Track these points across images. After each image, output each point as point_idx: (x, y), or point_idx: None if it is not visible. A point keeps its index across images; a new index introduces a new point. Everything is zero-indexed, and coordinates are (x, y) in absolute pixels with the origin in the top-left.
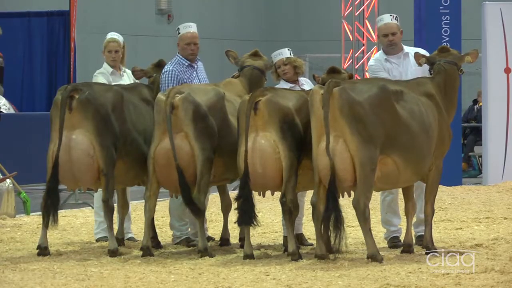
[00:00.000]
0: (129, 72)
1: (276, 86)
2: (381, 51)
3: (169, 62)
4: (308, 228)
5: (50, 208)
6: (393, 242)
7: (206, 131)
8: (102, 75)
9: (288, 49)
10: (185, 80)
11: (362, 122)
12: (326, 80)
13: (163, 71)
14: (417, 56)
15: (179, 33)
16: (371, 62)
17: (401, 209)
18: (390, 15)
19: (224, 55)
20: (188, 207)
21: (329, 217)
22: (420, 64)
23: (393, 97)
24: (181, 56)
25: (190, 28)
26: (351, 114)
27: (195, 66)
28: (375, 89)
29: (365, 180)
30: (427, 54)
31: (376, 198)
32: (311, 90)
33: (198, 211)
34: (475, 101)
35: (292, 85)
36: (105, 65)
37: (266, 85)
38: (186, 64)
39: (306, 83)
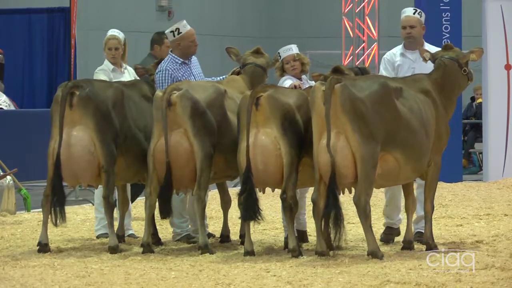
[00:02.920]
0: (130, 69)
1: (283, 80)
2: (401, 45)
3: (163, 61)
4: (308, 225)
5: (56, 206)
6: (385, 233)
7: (205, 128)
8: (103, 72)
9: (295, 46)
10: (179, 78)
11: (363, 119)
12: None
13: (157, 70)
14: (421, 50)
15: (179, 32)
16: (387, 55)
17: (402, 205)
18: (414, 9)
19: (224, 52)
20: (160, 205)
21: (329, 214)
22: (424, 59)
23: (393, 94)
24: (173, 55)
25: (186, 27)
26: (352, 110)
27: (189, 63)
28: (376, 86)
29: (366, 176)
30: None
31: (376, 195)
32: (313, 86)
33: (168, 213)
34: (473, 99)
35: (301, 81)
36: (106, 62)
37: (267, 82)
38: (180, 61)
39: (306, 81)
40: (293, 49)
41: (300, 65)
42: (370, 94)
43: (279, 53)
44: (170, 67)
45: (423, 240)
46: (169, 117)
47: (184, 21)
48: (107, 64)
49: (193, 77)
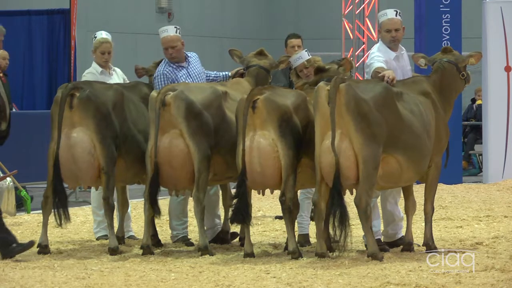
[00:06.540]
0: (118, 70)
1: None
2: (386, 47)
3: (160, 64)
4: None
5: (59, 207)
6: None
7: (201, 129)
8: (92, 75)
9: (306, 50)
10: (177, 81)
11: (366, 120)
12: None
13: (155, 74)
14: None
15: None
16: (381, 55)
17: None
18: (394, 10)
19: (224, 53)
20: (150, 205)
21: (334, 213)
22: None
23: (395, 97)
24: (167, 59)
25: (166, 32)
26: (356, 110)
27: (186, 65)
28: (379, 88)
29: (367, 178)
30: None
31: None
32: (317, 86)
33: (156, 212)
34: (473, 100)
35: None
36: (94, 64)
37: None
38: (175, 66)
39: None
40: (302, 56)
41: (313, 68)
42: (374, 96)
43: (291, 62)
44: (167, 70)
45: (423, 242)
46: (164, 118)
47: (167, 27)
48: (95, 67)
49: (191, 79)
